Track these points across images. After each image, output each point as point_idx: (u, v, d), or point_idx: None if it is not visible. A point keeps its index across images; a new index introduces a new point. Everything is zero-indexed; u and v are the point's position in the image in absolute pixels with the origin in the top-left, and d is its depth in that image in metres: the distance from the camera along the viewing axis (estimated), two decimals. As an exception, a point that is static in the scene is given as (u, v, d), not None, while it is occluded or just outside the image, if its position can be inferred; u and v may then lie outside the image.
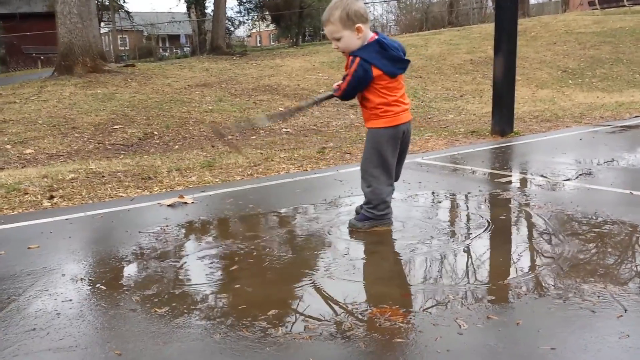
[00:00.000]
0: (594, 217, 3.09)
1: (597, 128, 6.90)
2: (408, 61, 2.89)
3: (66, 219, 3.50)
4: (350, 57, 2.81)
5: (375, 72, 2.77)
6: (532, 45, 16.36)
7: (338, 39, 2.80)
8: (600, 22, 19.15)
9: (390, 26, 37.41)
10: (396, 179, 3.12)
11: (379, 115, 2.86)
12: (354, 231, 3.01)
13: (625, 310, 1.95)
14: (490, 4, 32.76)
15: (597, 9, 24.02)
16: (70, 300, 2.25)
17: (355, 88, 2.83)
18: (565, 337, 1.79)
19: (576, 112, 8.91)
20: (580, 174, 4.20)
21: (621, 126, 6.93)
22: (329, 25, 2.81)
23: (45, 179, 4.72)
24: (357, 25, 2.74)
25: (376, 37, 2.81)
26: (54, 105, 9.60)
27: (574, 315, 1.93)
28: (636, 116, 7.97)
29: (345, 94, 2.86)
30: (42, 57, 29.09)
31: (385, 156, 2.92)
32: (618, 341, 1.74)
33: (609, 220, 3.02)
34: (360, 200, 3.32)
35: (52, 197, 4.11)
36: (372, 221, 3.00)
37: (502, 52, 6.46)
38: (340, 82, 2.89)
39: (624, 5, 22.83)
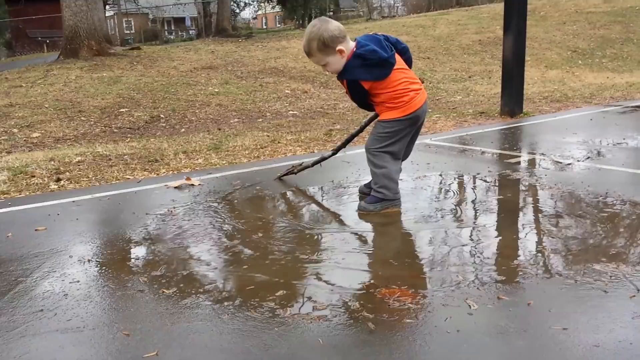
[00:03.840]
0: (606, 197, 3.05)
1: (608, 108, 6.81)
2: (398, 46, 2.90)
3: (73, 201, 3.49)
4: (341, 81, 2.89)
5: (366, 84, 2.81)
6: (541, 25, 16.17)
7: (325, 65, 2.83)
8: (611, 1, 18.86)
9: (397, 7, 37.06)
10: (405, 158, 3.11)
11: (390, 108, 2.85)
12: (363, 214, 2.98)
13: (638, 290, 1.92)
14: (498, -17, 32.33)
15: (607, -13, 23.62)
16: (78, 281, 2.24)
17: (358, 102, 2.96)
18: (577, 317, 1.77)
19: (586, 92, 8.80)
20: (590, 154, 4.15)
21: (632, 106, 6.84)
22: (311, 57, 2.85)
23: (52, 162, 4.72)
24: (338, 48, 2.74)
25: (354, 49, 2.77)
26: (60, 89, 9.59)
27: (586, 296, 1.91)
28: (647, 96, 7.87)
29: (358, 104, 3.01)
30: (47, 41, 29.04)
31: (398, 141, 2.92)
32: (631, 321, 1.72)
33: (621, 200, 2.98)
34: (366, 181, 3.30)
35: (59, 179, 4.10)
36: (384, 202, 2.97)
37: (511, 30, 6.37)
38: None
39: (635, -16, 22.42)
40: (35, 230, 2.94)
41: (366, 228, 2.80)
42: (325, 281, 2.16)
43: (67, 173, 4.32)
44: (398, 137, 2.91)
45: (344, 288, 2.08)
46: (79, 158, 4.88)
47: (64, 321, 1.90)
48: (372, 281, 2.13)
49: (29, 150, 6.15)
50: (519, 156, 4.33)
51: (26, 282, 2.25)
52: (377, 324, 1.79)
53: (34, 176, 4.21)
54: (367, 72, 2.77)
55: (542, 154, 4.32)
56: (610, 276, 2.04)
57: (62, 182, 4.04)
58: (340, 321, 1.81)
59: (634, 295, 1.88)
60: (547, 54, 13.58)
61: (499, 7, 15.35)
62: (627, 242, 2.39)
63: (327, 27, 2.72)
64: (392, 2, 38.63)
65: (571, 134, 5.10)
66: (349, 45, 2.78)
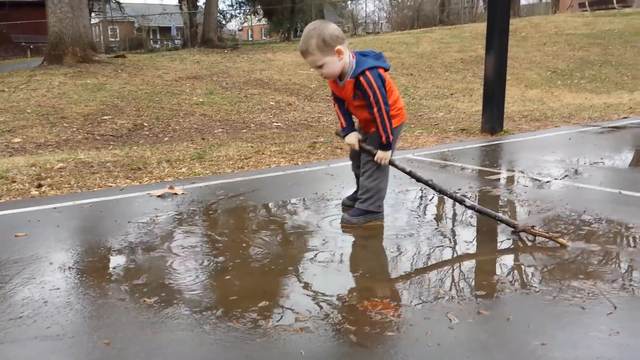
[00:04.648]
0: (584, 216, 3.11)
1: (586, 128, 6.95)
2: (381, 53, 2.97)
3: (54, 208, 3.46)
4: (361, 78, 2.73)
5: (382, 72, 2.80)
6: (522, 45, 16.44)
7: (321, 67, 2.75)
8: (590, 24, 19.28)
9: (381, 23, 37.42)
10: None
11: (393, 116, 2.87)
12: (347, 226, 3.00)
13: (615, 307, 1.96)
14: (481, 3, 32.89)
15: (587, 10, 24.18)
16: (58, 288, 2.22)
17: (385, 95, 2.77)
18: (556, 332, 1.80)
19: (565, 112, 8.96)
20: (569, 173, 4.23)
21: (610, 127, 6.98)
22: (308, 56, 2.74)
23: (34, 168, 4.67)
24: (337, 48, 2.70)
25: (353, 53, 2.82)
26: (43, 95, 9.50)
27: (564, 312, 1.94)
28: (624, 117, 8.03)
29: (386, 105, 2.76)
30: (31, 46, 28.75)
31: (393, 152, 2.96)
32: (608, 338, 1.75)
33: (598, 219, 3.04)
34: (349, 194, 3.32)
35: (40, 185, 4.06)
36: (367, 216, 3.00)
37: (493, 50, 6.48)
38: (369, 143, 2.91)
39: (614, 8, 23.01)
40: (15, 236, 2.91)
41: (349, 240, 2.82)
42: (307, 293, 2.16)
43: (49, 179, 4.28)
44: (394, 148, 2.97)
45: (327, 300, 2.09)
46: (61, 164, 4.84)
47: (43, 328, 1.89)
48: (354, 294, 2.14)
49: (10, 156, 6.08)
50: (499, 173, 4.39)
51: (5, 289, 2.22)
52: (359, 336, 1.80)
53: (14, 181, 4.16)
54: (378, 62, 2.80)
55: (522, 171, 4.39)
56: (588, 293, 2.08)
57: (43, 188, 4.00)
58: (322, 333, 1.82)
59: (611, 313, 1.92)
60: (527, 73, 13.80)
61: (481, 27, 15.60)
62: (604, 260, 2.44)
63: (328, 26, 2.71)
64: (377, 18, 39.02)
65: (550, 153, 5.18)
66: (347, 52, 2.78)
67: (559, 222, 3.02)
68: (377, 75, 2.76)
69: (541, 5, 36.17)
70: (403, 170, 2.95)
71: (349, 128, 3.01)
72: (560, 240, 2.52)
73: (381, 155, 2.88)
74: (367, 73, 2.73)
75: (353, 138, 2.98)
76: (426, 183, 2.98)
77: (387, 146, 2.85)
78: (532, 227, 2.67)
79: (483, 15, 28.14)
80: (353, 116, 3.05)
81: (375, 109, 2.76)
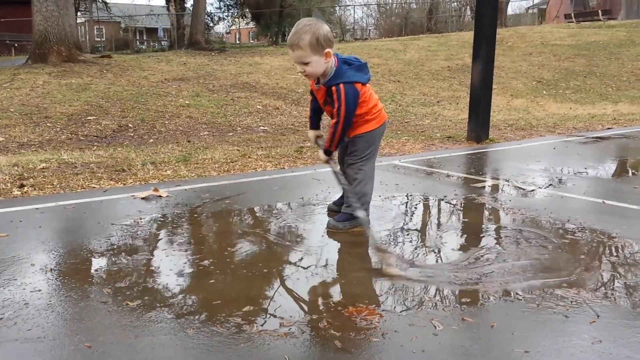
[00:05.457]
0: (567, 224, 3.13)
1: (570, 138, 7.02)
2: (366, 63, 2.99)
3: (37, 208, 3.41)
4: (333, 88, 2.77)
5: (360, 88, 2.82)
6: (508, 55, 16.61)
7: (305, 64, 2.74)
8: (576, 35, 19.54)
9: (369, 30, 37.57)
10: None
11: (368, 120, 2.90)
12: (332, 231, 3.00)
13: (598, 316, 1.97)
14: (468, 12, 33.20)
15: (572, 22, 24.53)
16: (40, 290, 2.19)
17: (352, 112, 2.81)
18: (539, 340, 1.81)
19: (550, 122, 9.06)
20: (553, 182, 4.26)
21: (594, 137, 7.07)
22: (297, 51, 2.71)
23: (16, 168, 4.61)
24: (327, 50, 2.71)
25: (336, 59, 2.82)
26: (27, 94, 9.40)
27: (548, 320, 1.95)
28: (608, 128, 8.13)
29: (346, 122, 2.81)
30: (16, 45, 28.42)
31: (374, 155, 3.00)
32: (591, 346, 1.76)
33: (582, 228, 3.07)
34: (335, 199, 3.32)
35: (22, 185, 4.01)
36: (353, 221, 3.00)
37: (480, 59, 6.53)
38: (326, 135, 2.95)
39: (599, 20, 23.38)
40: (-4, 236, 2.87)
41: (334, 246, 2.81)
42: (292, 298, 2.15)
43: (31, 179, 4.23)
44: (375, 151, 3.00)
45: (311, 305, 2.08)
46: (44, 164, 4.78)
47: (24, 330, 1.86)
48: (339, 299, 2.14)
49: (-9, 155, 5.99)
50: (484, 181, 4.42)
51: (-15, 290, 2.19)
52: (344, 342, 1.79)
53: (-4, 181, 4.11)
54: (358, 75, 2.82)
55: (507, 179, 4.42)
56: (571, 301, 2.10)
57: (25, 189, 3.95)
58: (306, 338, 1.81)
59: (594, 321, 1.93)
60: (513, 83, 13.94)
61: (468, 35, 15.74)
62: (588, 269, 2.46)
63: (323, 27, 2.71)
64: (365, 25, 39.19)
65: (535, 162, 5.23)
66: (333, 57, 2.79)
67: (543, 230, 3.05)
68: (352, 90, 2.78)
69: (527, 16, 36.66)
70: (332, 169, 3.04)
71: (313, 125, 3.16)
72: (389, 269, 2.43)
73: (320, 155, 3.02)
74: (341, 86, 2.76)
75: (311, 134, 3.16)
76: (338, 182, 3.04)
77: (328, 152, 2.97)
78: (382, 245, 2.70)
79: (470, 24, 28.40)
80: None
81: (334, 120, 2.82)
